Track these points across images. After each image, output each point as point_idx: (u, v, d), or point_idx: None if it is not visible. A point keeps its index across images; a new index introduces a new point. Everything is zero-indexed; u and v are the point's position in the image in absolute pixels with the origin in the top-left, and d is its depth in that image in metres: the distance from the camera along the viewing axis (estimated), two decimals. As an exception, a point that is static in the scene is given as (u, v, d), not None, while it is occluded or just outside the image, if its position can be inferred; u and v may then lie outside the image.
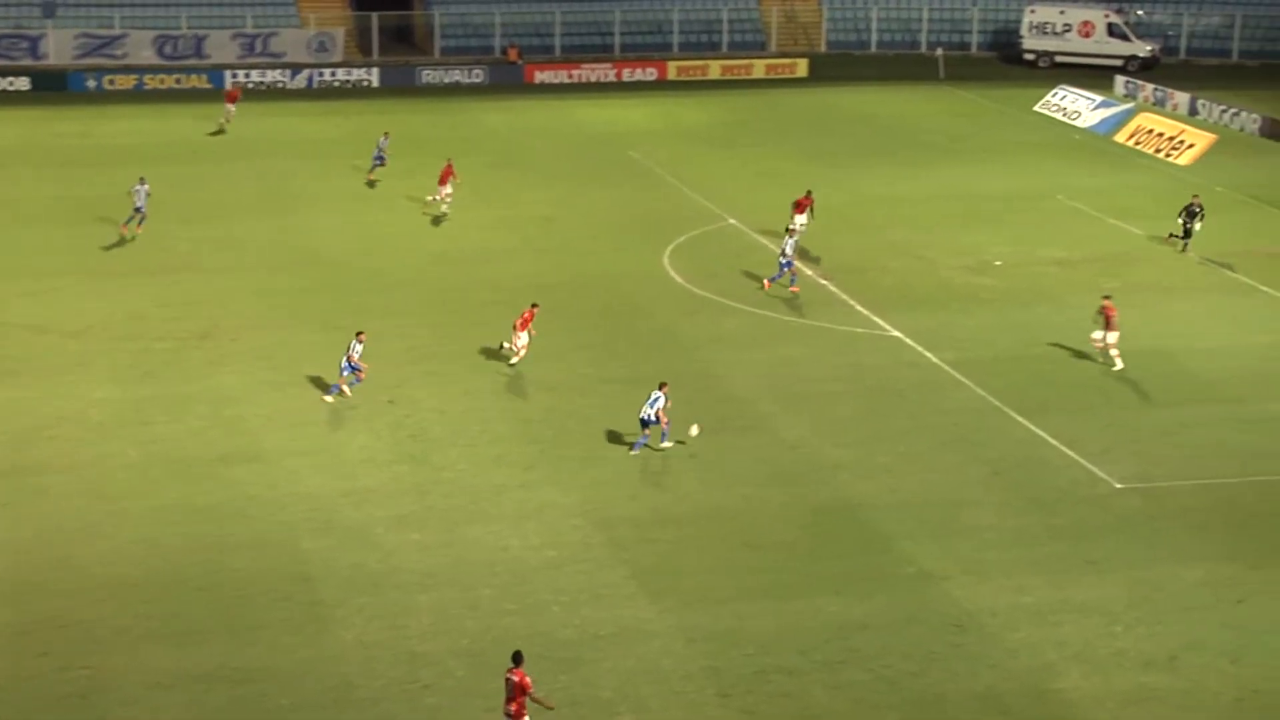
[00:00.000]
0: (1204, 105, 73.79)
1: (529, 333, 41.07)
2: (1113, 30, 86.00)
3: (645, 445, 36.63)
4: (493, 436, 37.53)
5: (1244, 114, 71.70)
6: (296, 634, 28.95)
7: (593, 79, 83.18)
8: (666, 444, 36.78)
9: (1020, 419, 38.77)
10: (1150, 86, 77.23)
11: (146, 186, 52.01)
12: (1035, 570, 31.41)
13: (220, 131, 67.33)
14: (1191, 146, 66.25)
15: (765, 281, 48.01)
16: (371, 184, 59.35)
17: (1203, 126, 70.09)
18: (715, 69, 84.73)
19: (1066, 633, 29.15)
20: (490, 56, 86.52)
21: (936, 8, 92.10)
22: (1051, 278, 49.59)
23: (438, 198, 55.55)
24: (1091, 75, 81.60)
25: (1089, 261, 51.36)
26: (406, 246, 52.50)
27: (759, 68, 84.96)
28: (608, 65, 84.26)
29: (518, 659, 25.71)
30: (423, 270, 50.01)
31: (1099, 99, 74.24)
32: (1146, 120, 70.18)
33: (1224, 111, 72.65)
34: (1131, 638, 29.04)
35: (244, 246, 51.89)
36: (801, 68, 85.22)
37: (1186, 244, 51.63)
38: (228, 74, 78.26)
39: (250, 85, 78.42)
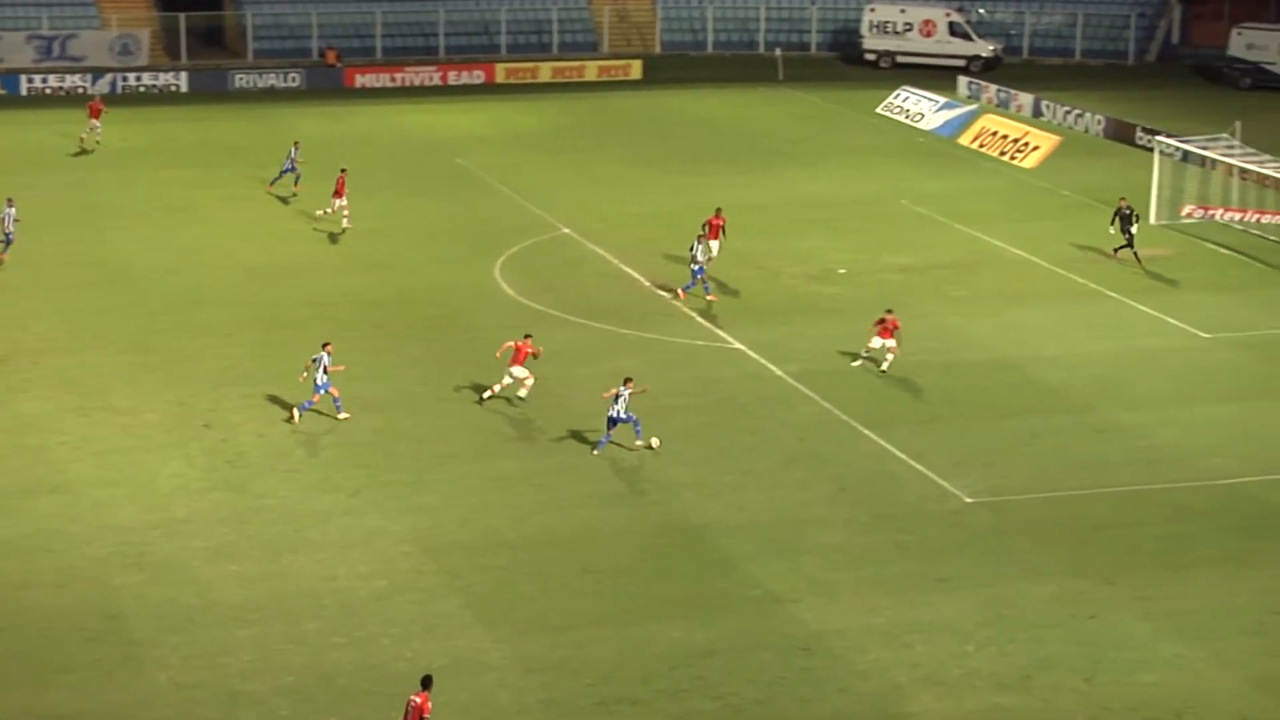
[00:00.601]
0: (1048, 106, 75.33)
1: (533, 354, 39.99)
2: (954, 30, 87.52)
3: (610, 443, 37.25)
4: (316, 460, 37.18)
5: (1088, 115, 73.31)
6: (107, 676, 28.42)
7: (417, 82, 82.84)
8: (640, 442, 37.42)
9: (867, 433, 39.25)
10: (994, 87, 78.69)
11: (14, 210, 50.45)
12: (885, 589, 31.79)
13: (84, 152, 65.08)
14: (1036, 149, 67.59)
15: (679, 291, 48.15)
16: (285, 199, 58.11)
17: (1047, 128, 71.55)
18: (545, 71, 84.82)
19: (917, 654, 29.54)
20: (307, 59, 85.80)
21: (774, 7, 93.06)
22: (897, 285, 50.28)
23: (330, 211, 54.72)
24: (934, 76, 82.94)
25: (935, 268, 52.15)
26: (220, 261, 51.85)
27: (591, 70, 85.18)
28: (432, 68, 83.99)
29: (427, 683, 25.66)
30: (238, 286, 49.42)
31: (942, 100, 75.48)
32: (990, 122, 71.48)
33: (1068, 113, 74.23)
34: (983, 657, 29.51)
35: (44, 263, 50.89)
36: (635, 69, 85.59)
37: (1135, 252, 52.31)
38: (100, 80, 76.55)
39: (48, 91, 76.95)
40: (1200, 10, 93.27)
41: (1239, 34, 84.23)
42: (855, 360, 43.24)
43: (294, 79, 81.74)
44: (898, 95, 77.45)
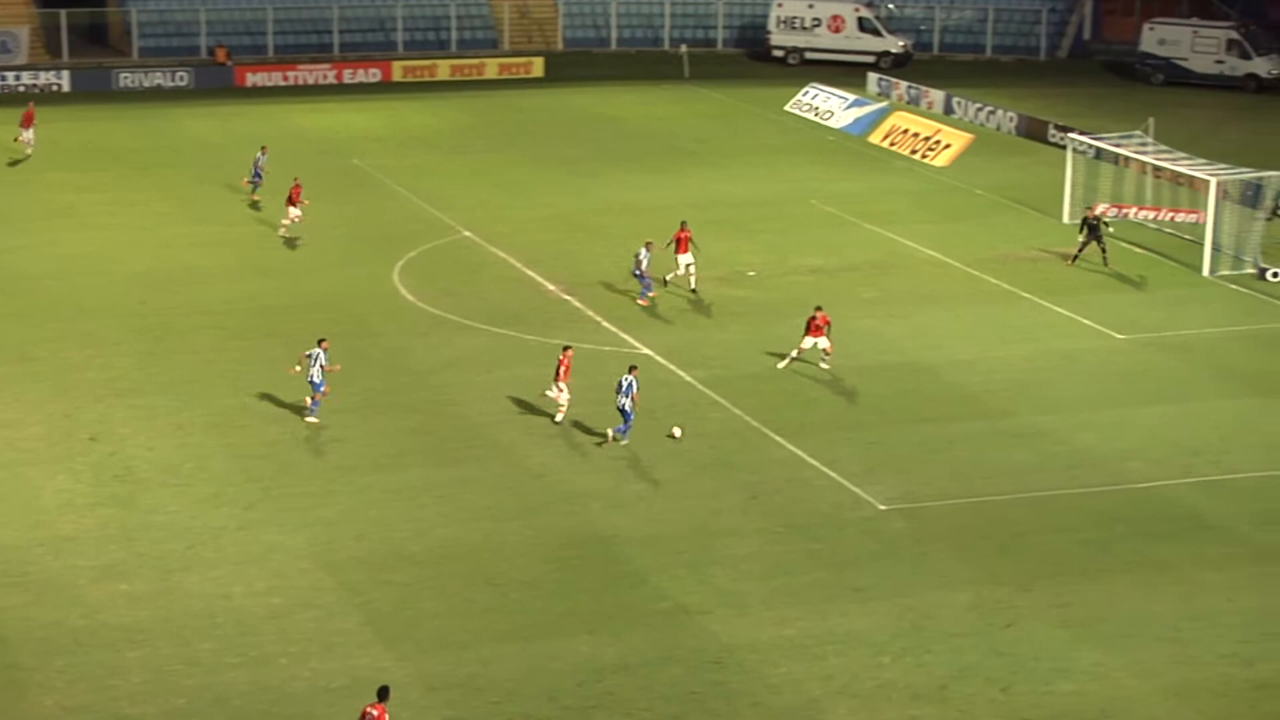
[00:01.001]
0: (959, 103, 75.94)
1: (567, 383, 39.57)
2: (864, 25, 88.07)
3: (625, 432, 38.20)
4: (208, 474, 36.86)
5: (1000, 112, 73.95)
6: (-10, 702, 28.05)
7: (310, 81, 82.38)
8: (625, 440, 38.12)
9: (779, 439, 39.38)
10: (904, 84, 79.24)
11: None
12: (798, 600, 31.89)
13: (19, 161, 63.89)
14: (948, 147, 68.10)
15: (640, 299, 48.43)
16: (255, 205, 57.42)
17: (959, 125, 72.12)
18: (444, 69, 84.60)
19: (831, 666, 29.65)
20: (195, 57, 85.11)
21: (679, 2, 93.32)
22: (808, 288, 50.48)
23: (288, 221, 54.16)
24: (843, 72, 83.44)
25: (846, 270, 52.43)
26: (107, 268, 51.33)
27: (491, 67, 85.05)
28: (327, 66, 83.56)
29: (383, 694, 25.64)
30: (126, 294, 48.94)
31: (852, 98, 75.92)
32: (901, 119, 71.96)
33: (980, 110, 74.85)
34: (899, 668, 29.65)
35: (-79, 270, 50.22)
36: (537, 67, 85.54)
37: (1105, 257, 52.68)
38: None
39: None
40: (1112, 5, 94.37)
41: (1151, 29, 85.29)
42: (782, 362, 43.37)
43: (182, 78, 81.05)
44: (806, 93, 77.82)
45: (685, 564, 33.27)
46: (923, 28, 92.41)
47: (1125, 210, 56.38)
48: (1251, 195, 54.99)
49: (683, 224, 49.54)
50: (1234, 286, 51.47)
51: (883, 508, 35.96)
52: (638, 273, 48.28)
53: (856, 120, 73.88)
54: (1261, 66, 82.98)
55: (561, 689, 28.81)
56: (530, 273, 51.74)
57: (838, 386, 42.75)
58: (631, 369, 38.86)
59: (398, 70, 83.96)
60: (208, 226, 56.03)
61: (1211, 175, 53.85)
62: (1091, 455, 38.82)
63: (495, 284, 50.66)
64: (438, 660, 29.57)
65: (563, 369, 39.52)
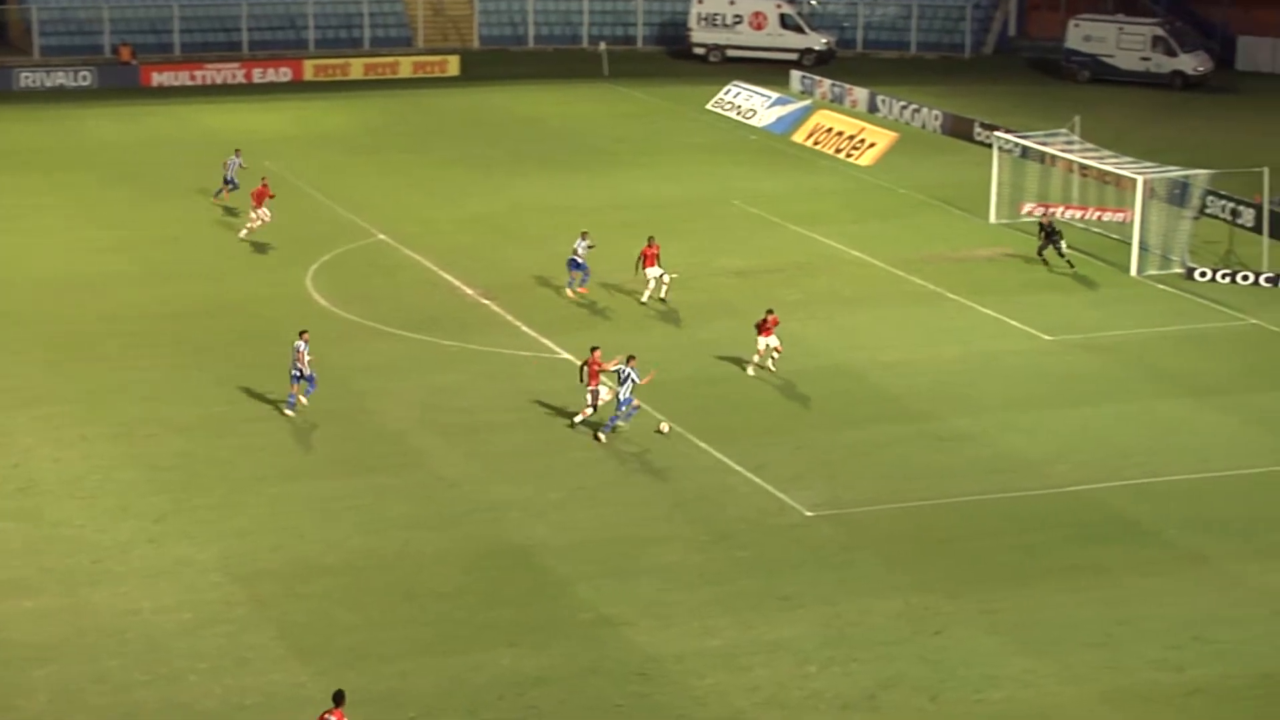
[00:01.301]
0: (884, 101, 76.35)
1: (602, 384, 39.76)
2: (786, 22, 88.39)
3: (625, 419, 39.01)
4: (116, 486, 36.58)
5: (925, 110, 74.39)
6: (-111, 724, 27.73)
7: (219, 81, 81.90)
8: (626, 425, 39.10)
9: (703, 445, 39.44)
10: (827, 82, 79.58)
11: None
12: (723, 610, 31.96)
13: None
14: (873, 145, 68.45)
15: (570, 289, 49.29)
16: (227, 210, 56.79)
17: (883, 124, 72.49)
18: (357, 68, 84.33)
19: (758, 676, 29.72)
20: (99, 56, 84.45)
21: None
22: (731, 290, 50.62)
23: (255, 223, 53.81)
24: (765, 70, 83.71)
25: (770, 272, 52.60)
26: (8, 275, 50.91)
27: (406, 66, 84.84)
28: (235, 65, 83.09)
29: (339, 699, 25.66)
30: (26, 301, 48.52)
31: (774, 96, 76.17)
32: (825, 118, 72.27)
33: (904, 108, 75.28)
34: (827, 678, 29.77)
35: None
36: (453, 65, 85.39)
37: (1068, 260, 52.93)
38: None
39: None
40: (1037, 2, 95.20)
41: (1076, 25, 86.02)
42: (748, 368, 43.35)
43: (85, 77, 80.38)
44: (728, 91, 78.02)
45: (608, 573, 33.27)
46: (846, 24, 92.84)
47: (1052, 209, 56.82)
48: (1179, 194, 55.54)
49: (650, 239, 49.30)
50: (1162, 286, 51.97)
51: (809, 514, 36.09)
52: (576, 260, 48.77)
53: (779, 119, 74.13)
54: (1187, 63, 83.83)
55: (482, 703, 28.76)
56: (447, 276, 51.63)
57: (763, 391, 42.88)
58: (630, 359, 39.19)
59: (309, 69, 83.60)
60: (115, 231, 55.61)
61: (1138, 174, 54.36)
62: (1019, 459, 39.10)
63: (411, 288, 50.52)
64: (355, 675, 29.43)
65: (591, 371, 39.59)
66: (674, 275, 51.78)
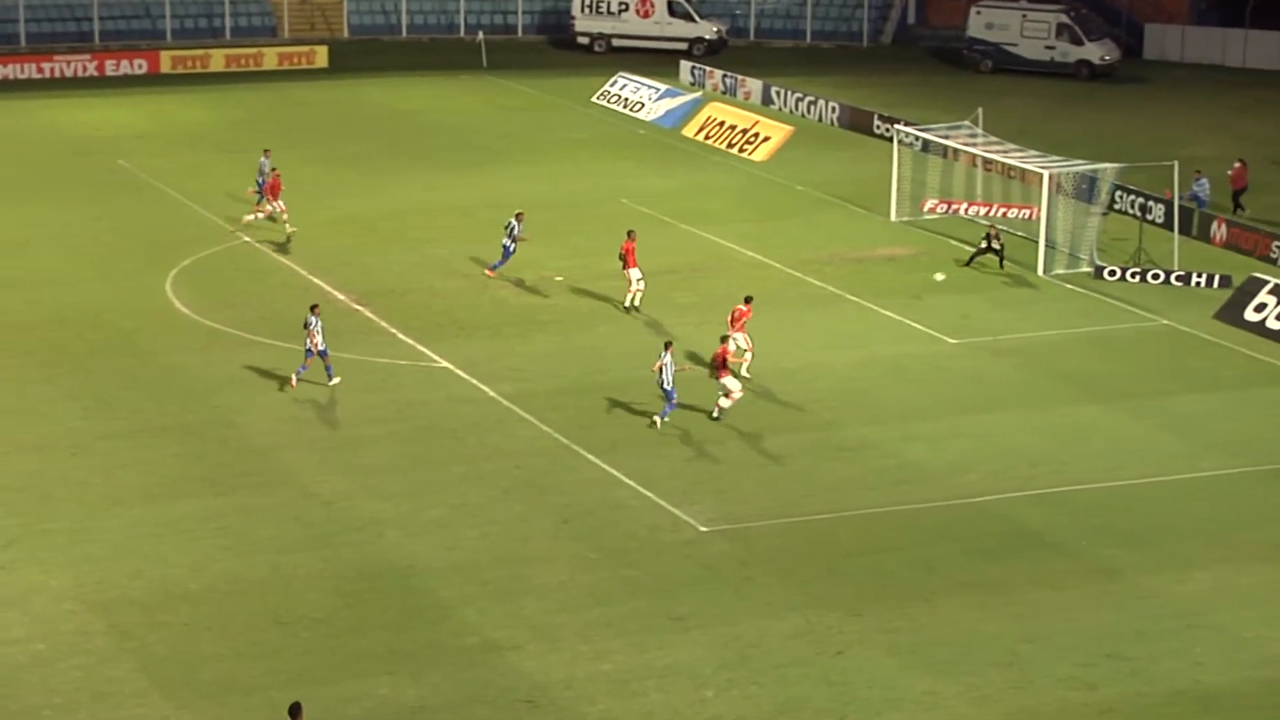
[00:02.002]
0: (778, 93, 76.76)
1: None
2: (674, 9, 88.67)
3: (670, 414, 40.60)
4: (-39, 510, 36.18)
5: (822, 102, 74.88)
6: None
7: (68, 74, 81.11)
8: (666, 419, 40.48)
9: (592, 458, 39.51)
10: (719, 73, 79.90)
11: None
12: (614, 632, 32.03)
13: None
14: (767, 140, 68.80)
15: (488, 270, 51.21)
16: (270, 217, 56.00)
17: (778, 117, 72.86)
18: (218, 59, 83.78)
19: (652, 702, 29.81)
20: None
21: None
22: (620, 294, 50.69)
23: (279, 214, 54.36)
24: (654, 60, 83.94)
25: (661, 274, 52.69)
26: None
27: (270, 57, 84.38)
28: (86, 57, 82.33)
29: (296, 711, 25.73)
30: None
31: (663, 88, 76.39)
32: (716, 111, 72.55)
33: (800, 100, 75.73)
34: (724, 702, 29.90)
35: None
36: (321, 56, 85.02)
37: (1001, 261, 53.39)
38: None
39: None
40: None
41: (978, 13, 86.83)
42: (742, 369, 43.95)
43: (-78, 71, 79.40)
44: (614, 82, 78.16)
45: (491, 595, 33.25)
46: (738, 12, 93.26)
47: (955, 206, 57.37)
48: (1086, 189, 56.24)
49: (630, 234, 49.45)
50: (1070, 286, 52.59)
51: (703, 529, 36.23)
52: (508, 243, 50.09)
53: (669, 112, 74.35)
54: (1094, 52, 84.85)
55: (358, 735, 28.68)
56: (317, 281, 51.42)
57: (654, 400, 42.96)
58: (667, 345, 40.68)
59: (166, 61, 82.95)
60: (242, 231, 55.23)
61: (1044, 168, 54.97)
62: (923, 469, 39.44)
63: (279, 294, 50.25)
64: (220, 707, 29.27)
65: (721, 361, 40.93)
66: (558, 278, 51.85)
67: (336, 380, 42.80)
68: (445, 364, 44.99)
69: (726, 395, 41.38)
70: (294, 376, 42.60)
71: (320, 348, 42.31)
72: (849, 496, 37.93)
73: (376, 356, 45.37)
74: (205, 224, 56.96)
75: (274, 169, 56.18)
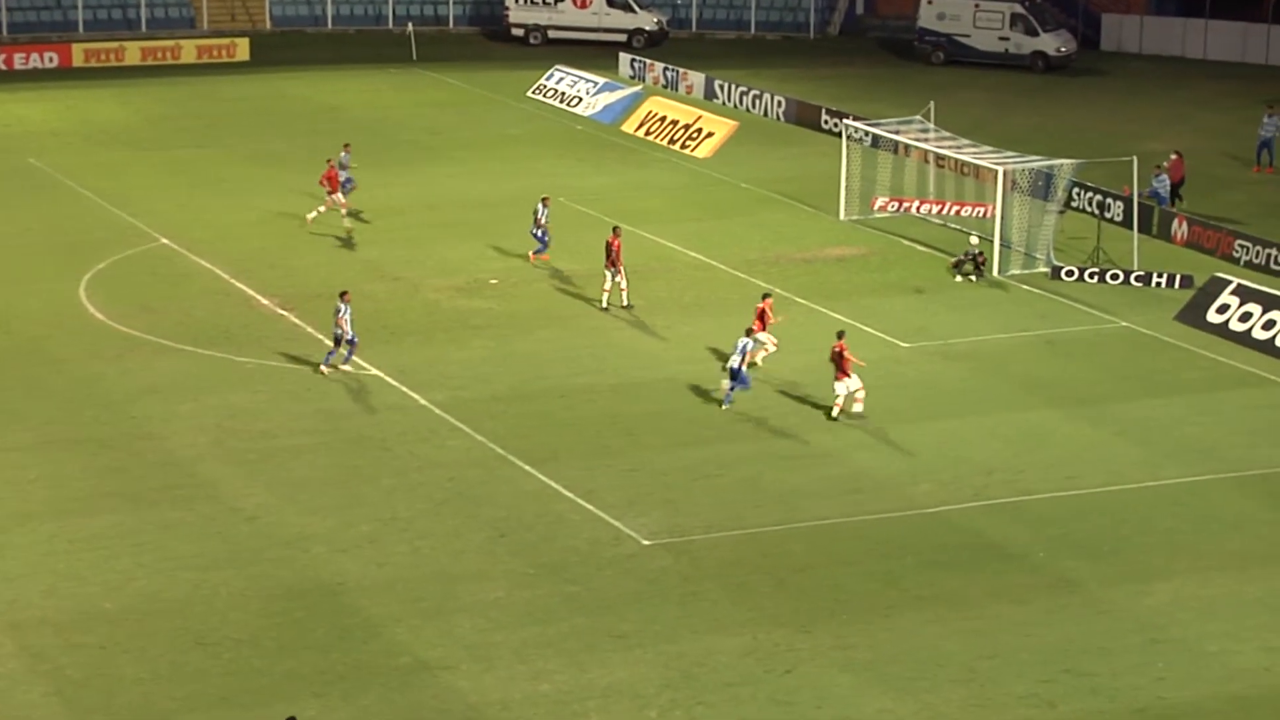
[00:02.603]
0: (722, 87, 76.90)
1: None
2: (613, 0, 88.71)
3: (736, 395, 42.24)
4: None
5: (767, 96, 75.03)
6: None
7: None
8: (730, 400, 42.33)
9: (529, 469, 39.47)
10: (660, 66, 80.00)
11: None
12: (553, 650, 31.99)
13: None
14: (710, 135, 68.91)
15: (531, 255, 53.23)
16: (354, 215, 56.54)
17: (721, 112, 73.01)
18: (134, 52, 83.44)
19: (593, 723, 29.85)
20: None
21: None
22: (556, 297, 50.70)
23: (340, 208, 55.27)
24: (592, 53, 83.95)
25: (599, 276, 52.68)
26: None
27: (189, 50, 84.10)
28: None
29: None
30: None
31: (602, 81, 76.43)
32: (657, 105, 72.62)
33: (745, 94, 75.87)
34: (669, 723, 29.95)
35: None
36: (242, 49, 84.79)
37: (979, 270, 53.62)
38: None
39: None
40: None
41: (929, 3, 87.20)
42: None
43: None
44: (550, 76, 78.17)
45: (424, 613, 33.18)
46: (679, 2, 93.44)
47: (906, 204, 57.58)
48: (1042, 186, 56.49)
49: (615, 229, 49.87)
50: (1026, 287, 52.81)
51: (646, 543, 36.23)
52: (537, 231, 51.66)
53: (607, 107, 74.39)
54: (1049, 43, 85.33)
55: (285, 761, 28.57)
56: (240, 285, 51.24)
57: (593, 408, 42.99)
58: (749, 331, 42.82)
59: (78, 54, 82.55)
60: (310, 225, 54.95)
61: (999, 164, 55.21)
62: (875, 478, 39.54)
63: (200, 298, 50.07)
64: (140, 734, 29.15)
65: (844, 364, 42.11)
66: (493, 281, 51.85)
67: (339, 370, 44.23)
68: (375, 371, 44.88)
69: (852, 397, 42.30)
70: (323, 365, 44.13)
71: (349, 336, 43.76)
72: (799, 507, 37.98)
73: (303, 364, 45.22)
74: (121, 226, 56.68)
75: (329, 160, 56.84)
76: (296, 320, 48.40)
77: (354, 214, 56.66)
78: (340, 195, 55.74)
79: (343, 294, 43.93)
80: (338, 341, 44.19)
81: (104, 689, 30.44)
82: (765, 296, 45.61)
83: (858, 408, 42.24)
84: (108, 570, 34.48)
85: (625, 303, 49.49)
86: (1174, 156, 60.76)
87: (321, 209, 55.85)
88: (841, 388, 42.11)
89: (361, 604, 33.51)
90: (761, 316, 44.96)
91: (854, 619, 33.28)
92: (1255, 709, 30.65)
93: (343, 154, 58.18)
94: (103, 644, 31.87)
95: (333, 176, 55.74)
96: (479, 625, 32.83)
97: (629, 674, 31.21)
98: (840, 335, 42.74)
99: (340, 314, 43.70)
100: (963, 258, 53.10)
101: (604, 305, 49.39)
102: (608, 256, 49.20)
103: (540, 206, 52.66)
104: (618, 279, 49.31)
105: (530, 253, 53.31)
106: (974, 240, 53.45)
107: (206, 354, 45.66)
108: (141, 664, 31.26)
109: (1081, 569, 35.45)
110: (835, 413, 42.24)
